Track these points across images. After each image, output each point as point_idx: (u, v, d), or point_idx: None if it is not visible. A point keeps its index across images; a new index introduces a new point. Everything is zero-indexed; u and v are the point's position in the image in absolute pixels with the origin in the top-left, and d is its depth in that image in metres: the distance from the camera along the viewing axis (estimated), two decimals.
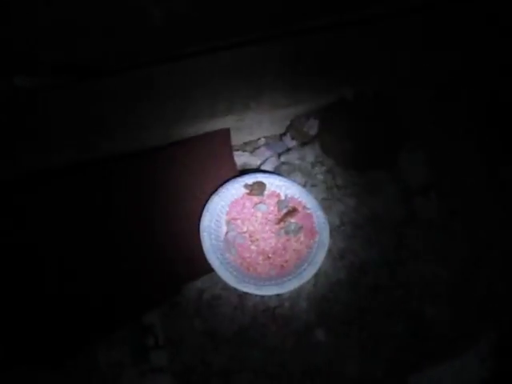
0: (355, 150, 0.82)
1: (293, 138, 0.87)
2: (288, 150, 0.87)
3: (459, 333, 0.78)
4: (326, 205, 0.81)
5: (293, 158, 0.86)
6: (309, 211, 0.79)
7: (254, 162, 0.88)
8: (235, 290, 0.76)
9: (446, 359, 0.77)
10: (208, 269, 0.76)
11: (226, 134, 0.83)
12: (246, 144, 0.89)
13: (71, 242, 0.76)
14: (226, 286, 0.78)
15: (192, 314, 0.77)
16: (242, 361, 0.75)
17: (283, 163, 0.85)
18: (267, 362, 0.75)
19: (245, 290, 0.73)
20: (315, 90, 0.82)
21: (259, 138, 0.89)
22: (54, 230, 0.76)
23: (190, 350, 0.75)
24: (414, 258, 0.80)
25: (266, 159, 0.87)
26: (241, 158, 0.87)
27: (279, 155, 0.87)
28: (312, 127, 0.85)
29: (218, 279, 0.78)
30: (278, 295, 0.76)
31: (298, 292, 0.76)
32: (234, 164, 0.84)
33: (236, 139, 0.86)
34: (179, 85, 0.78)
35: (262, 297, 0.77)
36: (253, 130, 0.87)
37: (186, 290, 0.77)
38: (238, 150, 0.88)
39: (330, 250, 0.77)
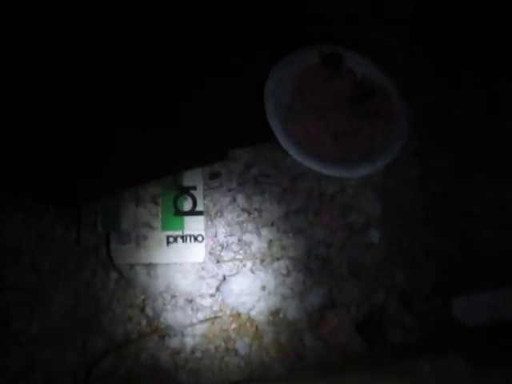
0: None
1: (376, 16, 0.75)
2: (370, 28, 0.75)
3: None
4: (407, 94, 0.71)
5: (374, 37, 0.74)
6: (388, 97, 0.69)
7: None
8: (290, 167, 0.66)
9: (497, 286, 0.71)
10: (265, 136, 0.65)
11: None
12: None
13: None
14: (277, 164, 0.68)
15: (235, 188, 0.67)
16: (282, 248, 0.66)
17: (363, 42, 0.73)
18: (310, 253, 0.66)
19: (308, 164, 0.63)
20: None
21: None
22: None
23: (227, 225, 0.66)
24: (486, 174, 0.72)
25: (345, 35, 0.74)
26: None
27: (359, 32, 0.74)
28: (403, 6, 0.73)
29: (270, 155, 0.68)
30: (341, 181, 0.67)
31: (366, 180, 0.67)
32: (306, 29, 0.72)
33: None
34: None
35: (320, 181, 0.67)
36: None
37: (231, 158, 0.67)
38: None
39: (404, 144, 0.68)
